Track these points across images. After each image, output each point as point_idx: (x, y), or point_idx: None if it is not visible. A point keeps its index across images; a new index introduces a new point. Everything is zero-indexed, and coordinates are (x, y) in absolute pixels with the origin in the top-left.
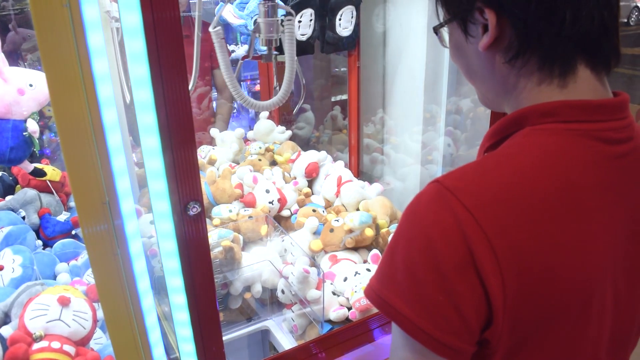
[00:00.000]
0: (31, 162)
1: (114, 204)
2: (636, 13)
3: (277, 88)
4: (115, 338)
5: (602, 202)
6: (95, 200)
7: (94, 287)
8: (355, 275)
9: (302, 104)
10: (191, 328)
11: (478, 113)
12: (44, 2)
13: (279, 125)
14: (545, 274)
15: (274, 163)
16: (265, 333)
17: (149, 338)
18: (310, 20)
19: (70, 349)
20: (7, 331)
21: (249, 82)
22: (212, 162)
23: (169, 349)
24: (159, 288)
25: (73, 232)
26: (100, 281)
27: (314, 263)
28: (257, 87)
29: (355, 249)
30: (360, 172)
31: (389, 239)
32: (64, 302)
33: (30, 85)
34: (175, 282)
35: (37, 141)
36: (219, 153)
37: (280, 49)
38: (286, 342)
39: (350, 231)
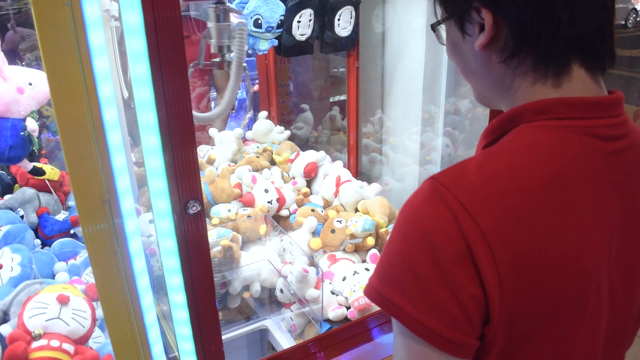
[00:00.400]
0: (30, 161)
1: (114, 203)
2: (634, 15)
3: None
4: (114, 336)
5: (596, 198)
6: (96, 199)
7: (93, 285)
8: (354, 274)
9: (249, 116)
10: (190, 326)
11: (476, 114)
12: (46, 0)
13: (278, 125)
14: (541, 269)
15: (272, 163)
16: (264, 332)
17: (148, 336)
18: (310, 20)
19: (69, 347)
20: (6, 329)
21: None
22: (211, 162)
23: (167, 347)
24: (158, 287)
25: (71, 231)
26: (100, 279)
27: (312, 262)
28: (256, 87)
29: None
30: (358, 172)
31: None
32: (63, 300)
33: (30, 84)
34: (175, 281)
35: (36, 140)
36: (218, 153)
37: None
38: (285, 341)
39: (352, 235)
